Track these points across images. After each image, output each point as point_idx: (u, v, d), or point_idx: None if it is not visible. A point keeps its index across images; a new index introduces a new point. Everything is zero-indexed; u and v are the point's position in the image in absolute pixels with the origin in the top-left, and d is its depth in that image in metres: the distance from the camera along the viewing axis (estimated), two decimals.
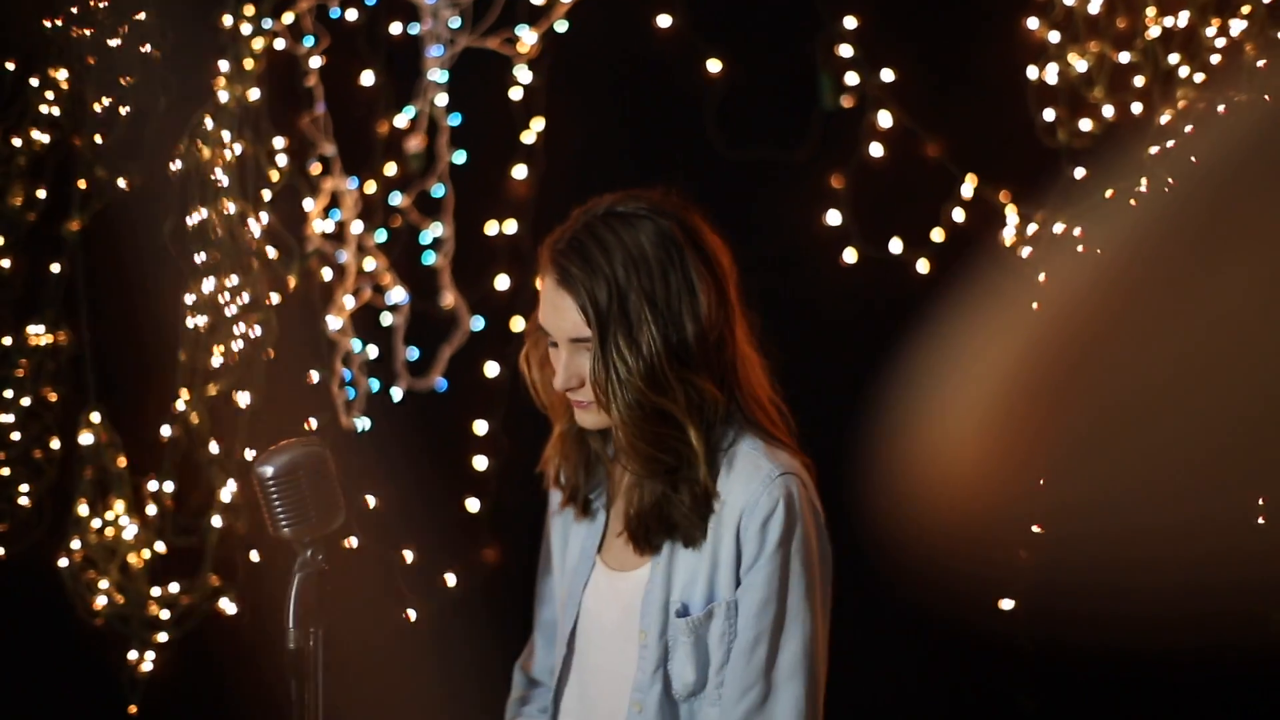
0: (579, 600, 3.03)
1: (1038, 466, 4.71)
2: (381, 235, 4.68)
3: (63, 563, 4.63)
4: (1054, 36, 4.58)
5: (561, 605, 3.09)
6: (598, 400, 2.85)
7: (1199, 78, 4.54)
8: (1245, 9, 4.47)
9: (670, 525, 2.87)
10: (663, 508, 2.86)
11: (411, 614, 4.72)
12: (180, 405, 4.60)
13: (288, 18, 4.64)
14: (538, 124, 4.65)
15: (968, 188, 4.62)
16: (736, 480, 2.85)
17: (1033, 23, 4.59)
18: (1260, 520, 4.32)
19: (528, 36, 4.61)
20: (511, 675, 3.26)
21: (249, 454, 4.59)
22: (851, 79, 4.64)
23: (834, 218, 4.65)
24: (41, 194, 4.69)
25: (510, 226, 4.68)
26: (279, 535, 2.75)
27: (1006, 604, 4.67)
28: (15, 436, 4.67)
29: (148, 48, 4.56)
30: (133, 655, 4.67)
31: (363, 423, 4.68)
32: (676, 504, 2.86)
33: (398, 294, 4.69)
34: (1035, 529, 4.75)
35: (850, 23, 4.62)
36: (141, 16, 4.56)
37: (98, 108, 4.61)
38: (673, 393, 2.82)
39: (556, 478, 3.09)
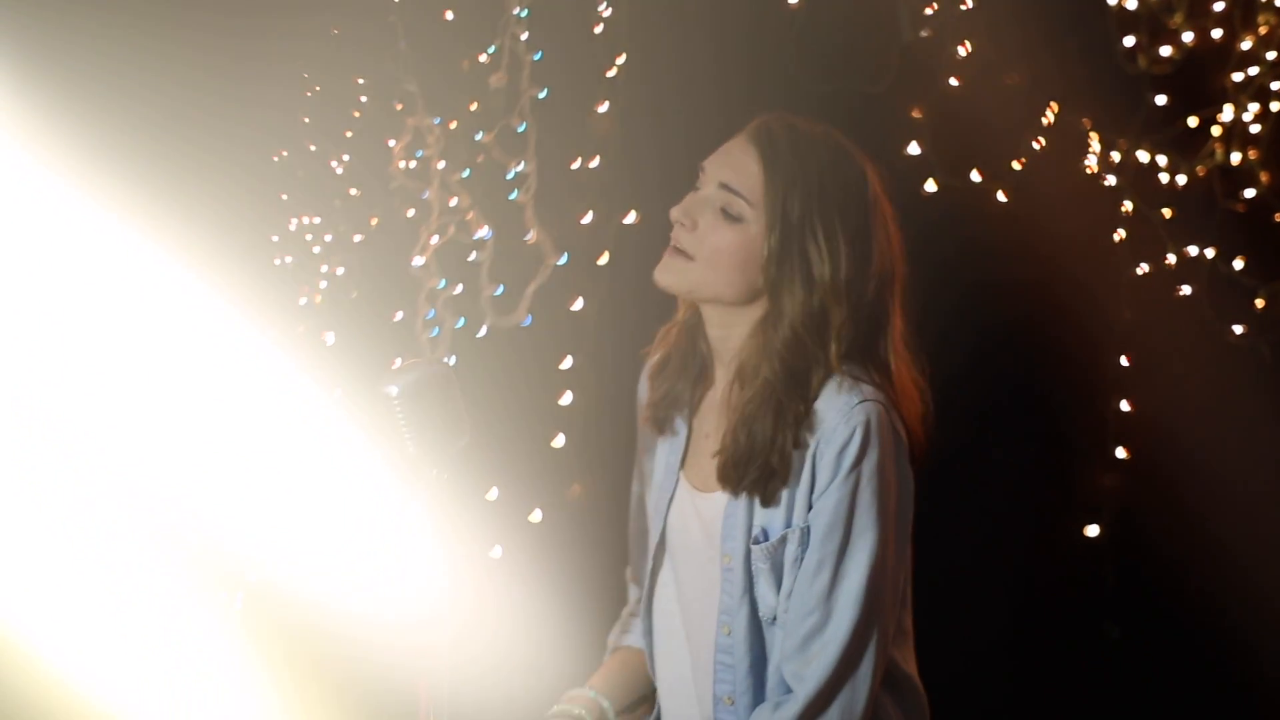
0: (664, 517, 3.03)
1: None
2: (465, 172, 4.68)
3: None
4: None
5: (649, 519, 3.09)
6: (702, 260, 2.84)
7: None
8: None
9: (769, 472, 2.86)
10: (769, 453, 2.85)
11: (499, 550, 4.73)
12: None
13: None
14: (620, 59, 4.65)
15: (1048, 116, 4.60)
16: (816, 412, 2.85)
17: None
18: None
19: None
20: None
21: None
22: (929, 10, 4.63)
23: (914, 148, 4.65)
24: None
25: (594, 162, 4.68)
26: (405, 454, 2.76)
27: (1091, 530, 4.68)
28: None
29: None
30: None
31: (449, 360, 4.69)
32: (780, 447, 2.84)
33: (483, 231, 4.69)
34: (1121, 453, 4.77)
35: None
36: None
37: None
38: (838, 310, 2.82)
39: (656, 369, 3.07)
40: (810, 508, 2.84)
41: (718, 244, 2.85)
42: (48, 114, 4.10)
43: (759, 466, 2.85)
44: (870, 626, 2.82)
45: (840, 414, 2.82)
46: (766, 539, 2.87)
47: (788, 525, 2.85)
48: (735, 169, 2.85)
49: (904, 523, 2.89)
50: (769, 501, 2.86)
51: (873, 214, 2.85)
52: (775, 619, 2.88)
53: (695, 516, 2.98)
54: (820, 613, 2.82)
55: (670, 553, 3.02)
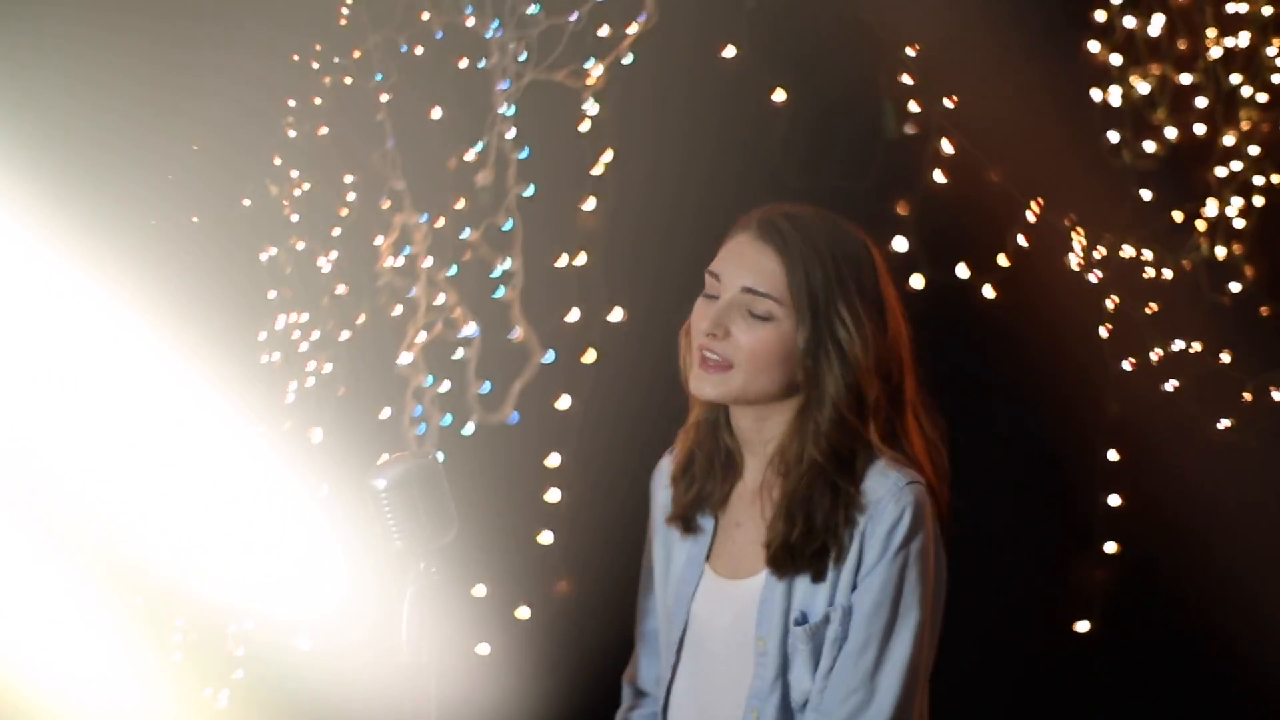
0: (688, 608, 3.02)
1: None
2: (452, 270, 4.69)
3: None
4: (1115, 59, 4.61)
5: (667, 615, 3.07)
6: (740, 364, 2.85)
7: (1262, 98, 4.55)
8: None
9: (823, 552, 2.86)
10: (826, 534, 2.85)
11: (485, 648, 4.71)
12: None
13: (356, 54, 4.66)
14: (606, 156, 4.67)
15: (1033, 212, 4.63)
16: (865, 489, 2.85)
17: (1094, 46, 4.61)
18: None
19: (595, 69, 4.64)
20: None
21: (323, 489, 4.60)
22: (914, 107, 4.66)
23: (900, 244, 4.66)
24: None
25: (580, 259, 4.69)
26: (392, 549, 2.75)
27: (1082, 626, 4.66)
28: None
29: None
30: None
31: (435, 455, 4.67)
32: (834, 528, 2.85)
33: (469, 328, 4.70)
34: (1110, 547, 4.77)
35: (912, 51, 4.64)
36: None
37: None
38: (872, 387, 2.82)
39: (680, 471, 3.06)
40: (854, 587, 2.84)
41: (755, 347, 2.85)
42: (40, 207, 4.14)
43: (816, 545, 2.85)
44: (910, 707, 2.82)
45: (890, 493, 2.82)
46: (807, 620, 2.86)
47: (830, 604, 2.85)
48: (756, 271, 2.85)
49: (939, 604, 2.90)
50: (819, 578, 2.85)
51: (881, 280, 2.88)
52: (806, 703, 2.87)
53: (724, 604, 2.97)
54: (864, 692, 2.81)
55: (693, 644, 3.01)
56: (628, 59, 4.64)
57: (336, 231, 4.66)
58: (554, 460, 4.72)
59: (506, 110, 4.66)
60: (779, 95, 4.67)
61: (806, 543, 2.85)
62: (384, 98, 4.68)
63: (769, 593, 2.89)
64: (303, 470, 4.62)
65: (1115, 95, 4.62)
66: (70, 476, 4.45)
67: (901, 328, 2.91)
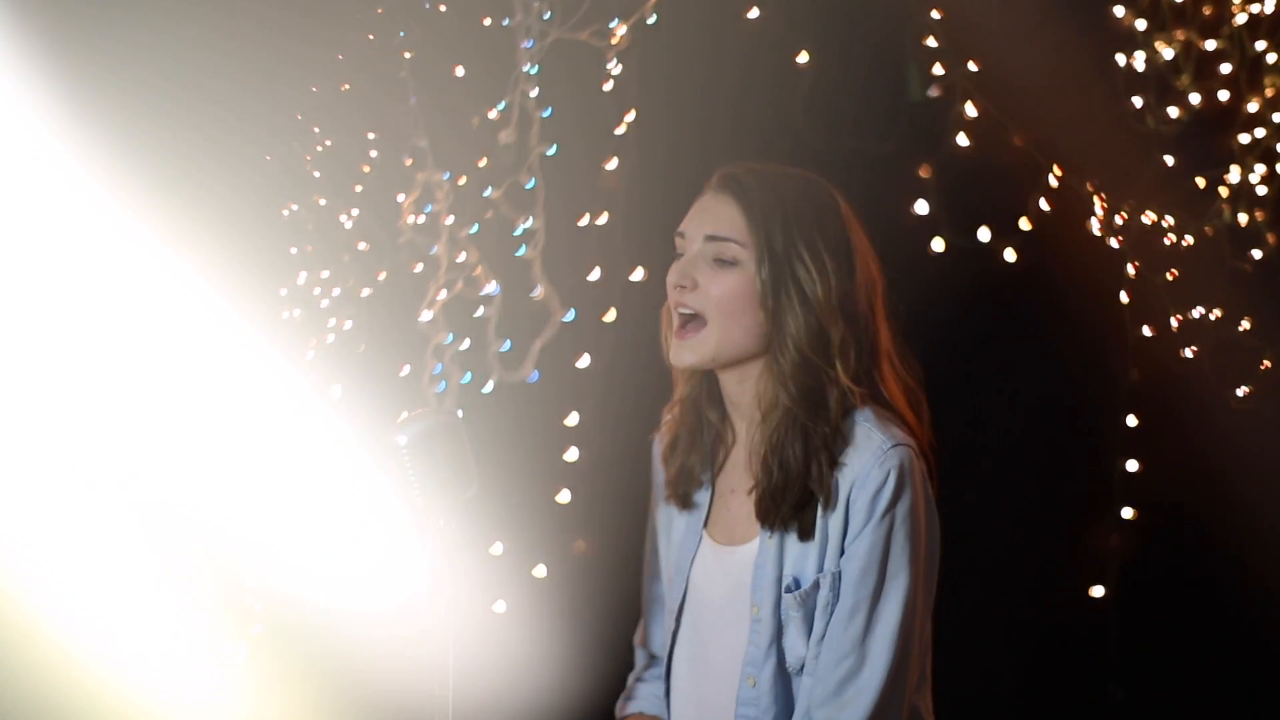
0: (687, 574, 3.04)
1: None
2: (474, 228, 4.69)
3: None
4: (1141, 24, 4.59)
5: (668, 580, 3.10)
6: (712, 316, 2.87)
7: None
8: None
9: (806, 499, 2.87)
10: (805, 478, 2.87)
11: (502, 605, 4.72)
12: None
13: (379, 10, 4.65)
14: (629, 116, 4.66)
15: (1055, 176, 4.62)
16: (851, 452, 2.87)
17: (1119, 10, 4.60)
18: None
19: (619, 29, 4.63)
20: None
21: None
22: (938, 70, 4.65)
23: (922, 207, 4.66)
24: None
25: (602, 219, 4.69)
26: (412, 505, 2.76)
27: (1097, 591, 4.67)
28: None
29: None
30: None
31: (455, 412, 4.68)
32: (815, 472, 2.86)
33: (490, 286, 4.70)
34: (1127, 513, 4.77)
35: (937, 14, 4.63)
36: None
37: None
38: (836, 327, 2.85)
39: (668, 451, 3.10)
40: (843, 552, 2.85)
41: (722, 292, 2.88)
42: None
43: (796, 493, 2.87)
44: (903, 670, 2.84)
45: (874, 457, 2.84)
46: (799, 586, 2.88)
47: (820, 571, 2.86)
48: (716, 218, 2.90)
49: (932, 567, 2.91)
50: (806, 534, 2.87)
51: (849, 228, 2.91)
52: (802, 668, 2.89)
53: (721, 571, 2.99)
54: (855, 657, 2.83)
55: (692, 610, 3.03)
56: (651, 19, 4.63)
57: (358, 188, 4.66)
58: (573, 419, 4.72)
59: (530, 69, 4.65)
60: (803, 57, 4.67)
61: (786, 491, 2.87)
62: (407, 55, 4.67)
63: (762, 558, 2.92)
64: (322, 425, 4.62)
65: (1139, 60, 4.61)
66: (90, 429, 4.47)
67: (874, 276, 2.94)
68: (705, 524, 3.05)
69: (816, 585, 2.87)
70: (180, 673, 4.47)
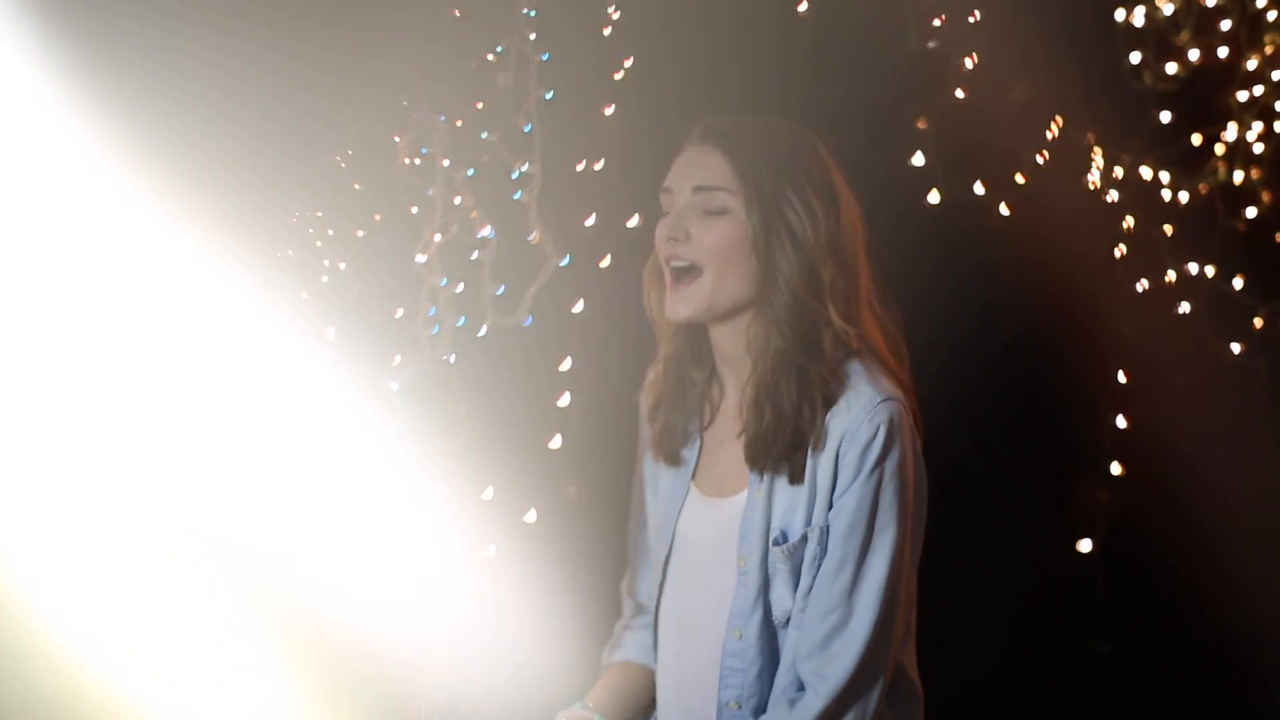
0: (674, 526, 3.05)
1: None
2: (470, 171, 4.69)
3: None
4: None
5: (655, 531, 3.11)
6: (708, 265, 2.88)
7: None
8: None
9: (799, 440, 2.88)
10: (796, 419, 2.87)
11: (493, 550, 4.73)
12: None
13: None
14: (628, 62, 4.65)
15: (1053, 130, 4.61)
16: (841, 405, 2.87)
17: None
18: None
19: None
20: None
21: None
22: (937, 22, 4.64)
23: (918, 159, 4.66)
24: None
25: (599, 164, 4.68)
26: (404, 450, 2.77)
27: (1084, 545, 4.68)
28: None
29: None
30: None
31: (449, 358, 4.68)
32: (806, 414, 2.87)
33: (486, 230, 4.69)
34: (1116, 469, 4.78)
35: None
36: None
37: None
38: (827, 268, 2.86)
39: (652, 410, 3.10)
40: (831, 506, 2.86)
41: (715, 241, 2.89)
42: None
43: (788, 434, 2.87)
44: (889, 624, 2.85)
45: (864, 411, 2.85)
46: (786, 540, 2.89)
47: (808, 524, 2.87)
48: (702, 169, 2.91)
49: (919, 522, 2.92)
50: (796, 478, 2.88)
51: (831, 172, 2.92)
52: (788, 621, 2.90)
53: (708, 522, 3.00)
54: (842, 610, 2.84)
55: (679, 562, 3.04)
56: None
57: (354, 128, 4.65)
58: (567, 365, 4.72)
59: (529, 12, 4.63)
60: (803, 5, 4.65)
61: (778, 432, 2.88)
62: None
63: (750, 510, 2.92)
64: (316, 369, 4.62)
65: (1139, 16, 4.60)
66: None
67: (855, 220, 2.95)
68: (693, 476, 3.05)
69: (804, 539, 2.88)
70: (185, 661, 4.50)
